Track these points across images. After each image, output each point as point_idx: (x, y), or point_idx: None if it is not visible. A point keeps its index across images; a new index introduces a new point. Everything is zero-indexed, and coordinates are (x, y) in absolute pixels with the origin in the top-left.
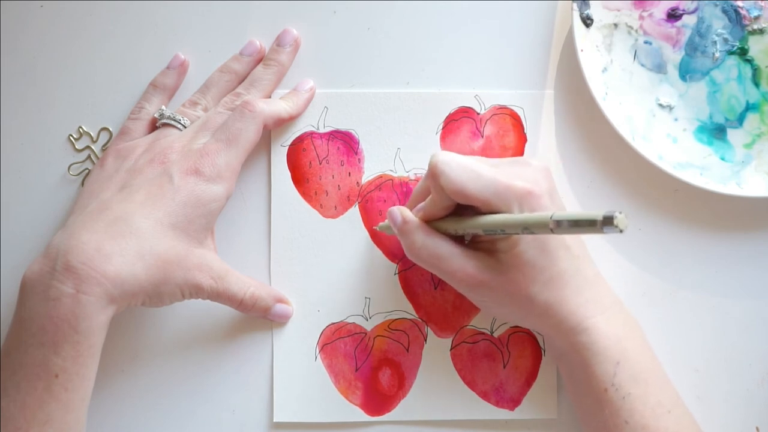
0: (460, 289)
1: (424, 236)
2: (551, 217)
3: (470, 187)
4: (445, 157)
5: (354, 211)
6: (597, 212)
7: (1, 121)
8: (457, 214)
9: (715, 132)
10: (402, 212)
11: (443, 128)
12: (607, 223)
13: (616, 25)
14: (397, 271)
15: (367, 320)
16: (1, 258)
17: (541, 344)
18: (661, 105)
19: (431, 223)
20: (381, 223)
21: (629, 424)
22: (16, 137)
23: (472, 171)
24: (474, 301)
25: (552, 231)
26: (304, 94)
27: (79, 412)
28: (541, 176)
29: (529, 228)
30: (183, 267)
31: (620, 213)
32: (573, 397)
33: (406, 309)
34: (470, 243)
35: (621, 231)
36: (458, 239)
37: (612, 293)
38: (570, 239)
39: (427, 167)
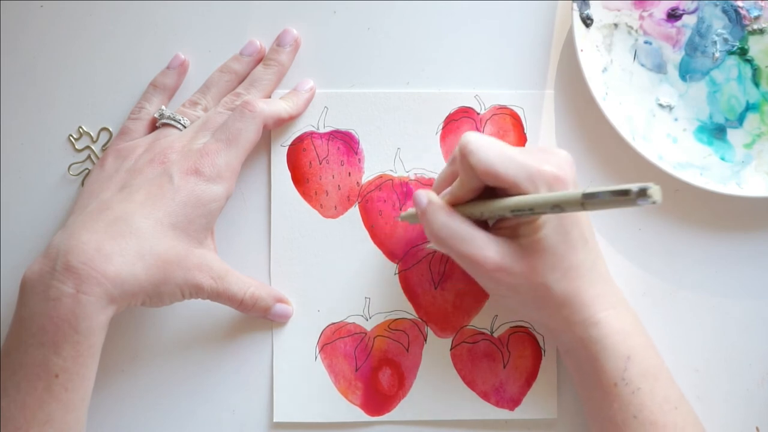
0: (477, 275)
1: (446, 216)
2: (583, 192)
3: (501, 167)
4: (477, 138)
5: (354, 211)
6: (630, 185)
7: (1, 121)
8: (483, 198)
9: (715, 132)
10: (428, 194)
11: (443, 128)
12: (641, 195)
13: (616, 25)
14: (397, 271)
15: (367, 320)
16: (1, 258)
17: (541, 344)
18: (661, 105)
19: (457, 207)
20: (403, 213)
21: (638, 419)
22: (16, 137)
23: (503, 152)
24: (489, 288)
25: (583, 206)
26: (304, 94)
27: (79, 412)
28: (567, 164)
29: (560, 205)
30: (183, 267)
31: (654, 184)
32: (581, 392)
33: (406, 309)
34: (492, 229)
35: (655, 202)
36: (481, 224)
37: (620, 292)
38: (588, 232)
39: (427, 167)
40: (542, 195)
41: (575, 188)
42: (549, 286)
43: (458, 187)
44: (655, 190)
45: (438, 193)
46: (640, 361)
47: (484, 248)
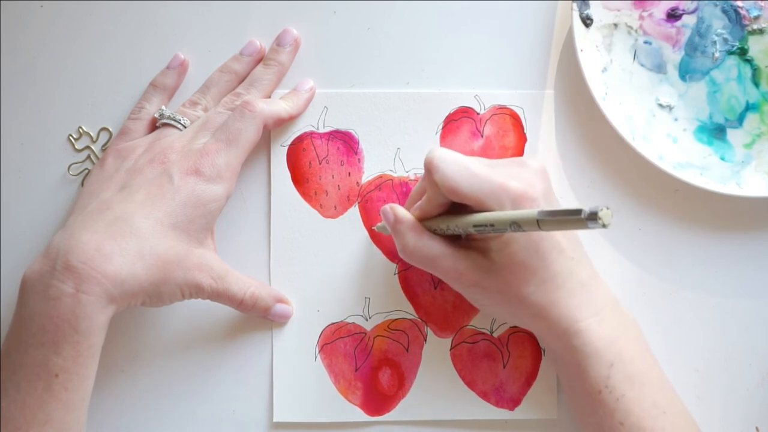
0: (455, 288)
1: (416, 237)
2: (538, 211)
3: (464, 184)
4: (441, 153)
5: (354, 211)
6: (581, 207)
7: (1, 121)
8: (451, 213)
9: (715, 132)
10: (394, 210)
11: (443, 128)
12: (591, 218)
13: (616, 25)
14: (396, 271)
15: (366, 320)
16: (1, 258)
17: (541, 344)
18: (661, 105)
19: (425, 221)
20: (379, 224)
21: (624, 425)
22: (16, 137)
23: (466, 169)
24: (469, 299)
25: (539, 227)
26: (304, 94)
27: (79, 412)
28: (538, 178)
29: (517, 223)
30: (183, 267)
31: (607, 208)
32: (569, 399)
33: (405, 309)
34: (464, 242)
35: (604, 226)
36: (452, 238)
37: (608, 294)
38: (565, 241)
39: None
40: (501, 213)
41: (547, 203)
42: (523, 299)
43: (426, 202)
44: (604, 214)
45: (411, 206)
46: (625, 366)
47: (456, 265)
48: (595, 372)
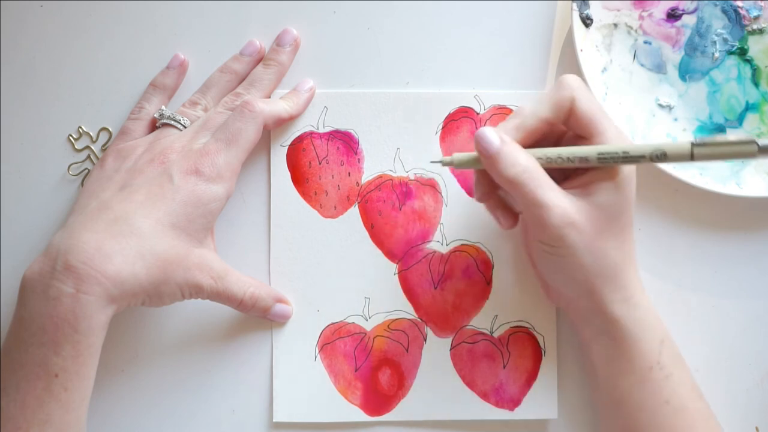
0: (539, 229)
1: (527, 160)
2: (694, 138)
3: (601, 117)
4: (578, 80)
5: (354, 211)
6: (752, 138)
7: (1, 121)
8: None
9: (714, 132)
10: (500, 134)
11: (443, 128)
12: (764, 150)
13: (615, 25)
14: (396, 271)
15: (366, 320)
16: (1, 258)
17: (541, 344)
18: (661, 105)
19: (530, 150)
20: (449, 157)
21: (669, 404)
22: (16, 137)
23: (600, 104)
24: (542, 248)
25: (692, 155)
26: (304, 94)
27: (79, 412)
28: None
29: (661, 153)
30: (183, 266)
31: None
32: (606, 380)
33: (405, 309)
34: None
35: None
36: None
37: None
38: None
39: (427, 167)
40: (646, 144)
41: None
42: (606, 253)
43: (532, 118)
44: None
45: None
46: (672, 346)
47: (562, 199)
48: (648, 347)
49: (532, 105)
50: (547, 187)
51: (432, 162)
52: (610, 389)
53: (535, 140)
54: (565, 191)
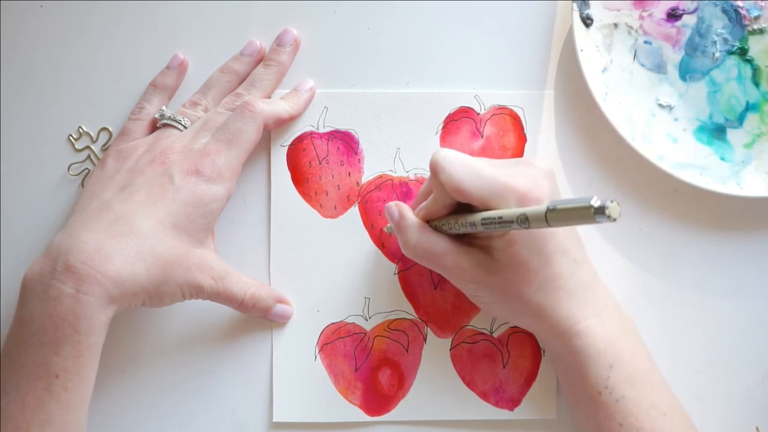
0: (457, 284)
1: (419, 233)
2: (547, 207)
3: (469, 184)
4: (447, 154)
5: (354, 211)
6: (590, 200)
7: (1, 121)
8: (457, 213)
9: (715, 132)
10: (399, 207)
11: (443, 128)
12: (599, 212)
13: (616, 25)
14: (396, 271)
15: (366, 320)
16: (1, 258)
17: (541, 344)
18: (661, 105)
19: (431, 221)
20: (388, 225)
21: (623, 426)
22: (16, 137)
23: (471, 169)
24: (470, 297)
25: (547, 221)
26: (305, 94)
27: (79, 412)
28: (543, 178)
29: (525, 217)
30: (183, 267)
31: (612, 201)
32: (569, 400)
33: (405, 309)
34: (467, 240)
35: (613, 219)
36: (455, 237)
37: (608, 295)
38: (569, 242)
39: (427, 167)
40: (510, 210)
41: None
42: (524, 299)
43: (432, 203)
44: (612, 208)
45: (417, 206)
46: (625, 368)
47: (459, 261)
48: (595, 372)
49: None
50: (442, 254)
51: (383, 229)
52: (572, 407)
53: (448, 211)
54: (470, 249)
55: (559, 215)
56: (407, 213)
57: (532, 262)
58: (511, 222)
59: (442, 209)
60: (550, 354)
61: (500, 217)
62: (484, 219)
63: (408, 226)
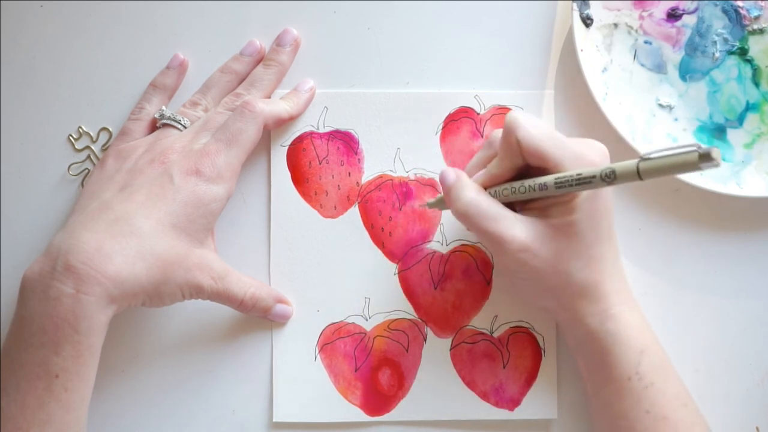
0: (501, 256)
1: (473, 193)
2: (641, 157)
3: (548, 144)
4: (522, 114)
5: (354, 211)
6: (693, 147)
7: (1, 121)
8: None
9: (715, 132)
10: (456, 171)
11: (443, 128)
12: (704, 158)
13: (616, 25)
14: (396, 271)
15: (366, 320)
16: (1, 258)
17: (541, 344)
18: (661, 105)
19: (488, 189)
20: (431, 200)
21: (650, 414)
22: (16, 137)
23: (550, 132)
24: (508, 271)
25: (639, 174)
26: (305, 94)
27: (79, 412)
28: (605, 157)
29: (611, 173)
30: (183, 267)
31: (713, 147)
32: (590, 388)
33: (405, 309)
34: (520, 210)
35: (718, 165)
36: (509, 206)
37: (632, 292)
38: (614, 231)
39: (427, 167)
40: (594, 168)
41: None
42: (571, 273)
43: (496, 166)
44: (717, 153)
45: (471, 176)
46: (654, 355)
47: (512, 227)
48: (626, 358)
49: (497, 154)
50: (496, 218)
51: (420, 206)
52: (592, 397)
53: (511, 176)
54: (524, 216)
55: (654, 165)
56: (463, 176)
57: (588, 236)
58: (592, 178)
59: (506, 173)
60: (574, 340)
61: (579, 174)
62: (558, 179)
63: (463, 187)
